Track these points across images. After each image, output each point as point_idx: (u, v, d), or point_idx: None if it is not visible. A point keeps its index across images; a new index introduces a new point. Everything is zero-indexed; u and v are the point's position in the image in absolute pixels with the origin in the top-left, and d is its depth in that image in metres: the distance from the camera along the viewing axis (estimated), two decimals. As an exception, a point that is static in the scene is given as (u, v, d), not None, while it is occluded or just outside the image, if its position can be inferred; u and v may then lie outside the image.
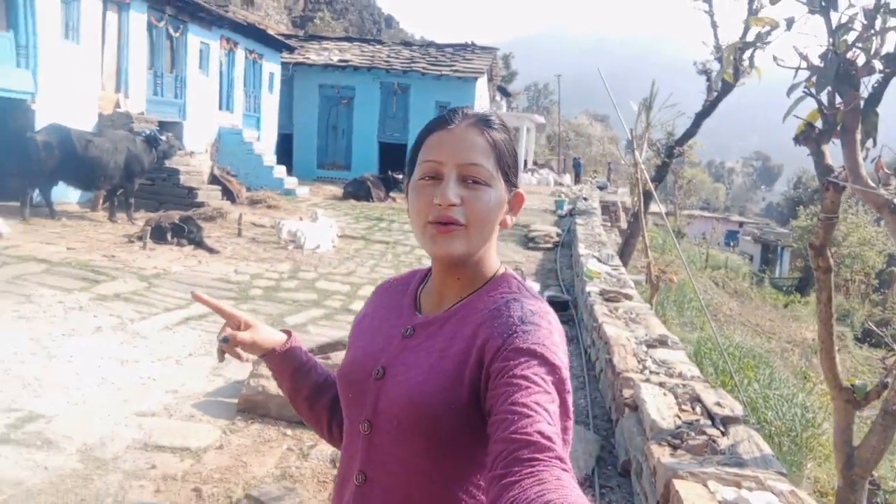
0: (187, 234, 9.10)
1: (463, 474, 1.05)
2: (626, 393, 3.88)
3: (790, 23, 2.77)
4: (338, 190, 17.44)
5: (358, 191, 16.52)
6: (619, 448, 3.91)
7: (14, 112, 10.33)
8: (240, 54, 17.62)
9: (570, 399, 1.00)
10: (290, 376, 1.29)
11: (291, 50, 20.78)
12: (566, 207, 16.57)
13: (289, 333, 1.32)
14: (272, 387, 4.21)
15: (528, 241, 12.10)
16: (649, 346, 4.68)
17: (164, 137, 11.21)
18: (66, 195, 10.87)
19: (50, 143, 9.44)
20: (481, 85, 22.30)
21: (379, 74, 21.12)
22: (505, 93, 37.53)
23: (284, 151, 20.36)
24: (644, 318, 5.51)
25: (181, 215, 9.47)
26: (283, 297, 7.12)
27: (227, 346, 1.23)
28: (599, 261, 7.86)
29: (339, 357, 4.51)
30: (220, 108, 16.91)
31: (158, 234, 9.02)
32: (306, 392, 1.30)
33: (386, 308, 1.21)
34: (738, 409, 3.52)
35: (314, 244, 9.63)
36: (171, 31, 14.39)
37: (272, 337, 1.28)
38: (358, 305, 7.01)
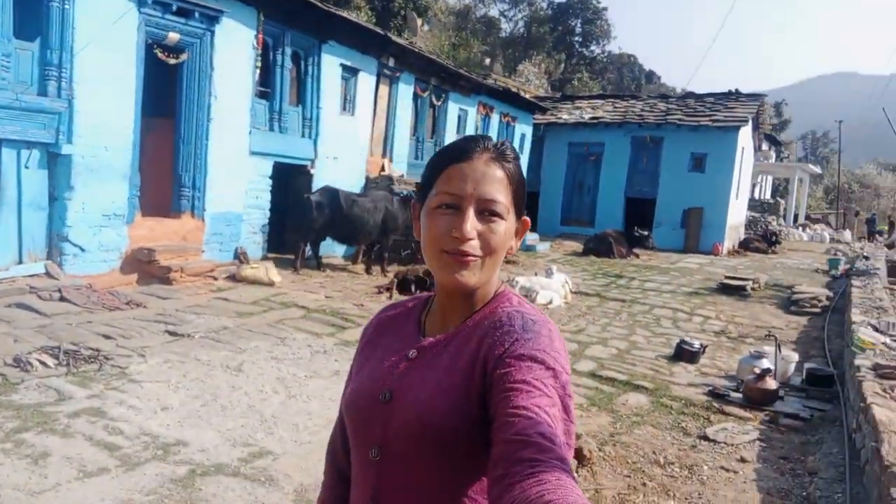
0: (429, 286, 9.60)
1: (476, 486, 1.06)
2: (895, 493, 3.08)
3: None
4: (579, 246, 17.23)
5: (598, 246, 16.14)
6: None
7: (296, 176, 11.96)
8: (494, 118, 18.56)
9: (571, 403, 1.01)
10: None
11: (544, 111, 21.37)
12: (842, 267, 14.40)
13: None
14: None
15: (791, 304, 10.68)
16: (935, 443, 3.70)
17: (418, 198, 12.07)
18: (333, 249, 12.20)
19: (322, 202, 10.70)
20: (744, 134, 20.64)
21: (631, 129, 20.70)
22: (775, 141, 34.37)
23: (531, 208, 20.80)
24: (932, 406, 4.42)
25: (425, 269, 10.04)
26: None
27: None
28: (876, 329, 6.58)
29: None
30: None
31: (404, 286, 9.64)
32: None
33: (390, 335, 1.23)
34: None
35: (546, 299, 9.52)
36: (433, 100, 15.69)
37: None
38: (584, 365, 6.71)
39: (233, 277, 9.37)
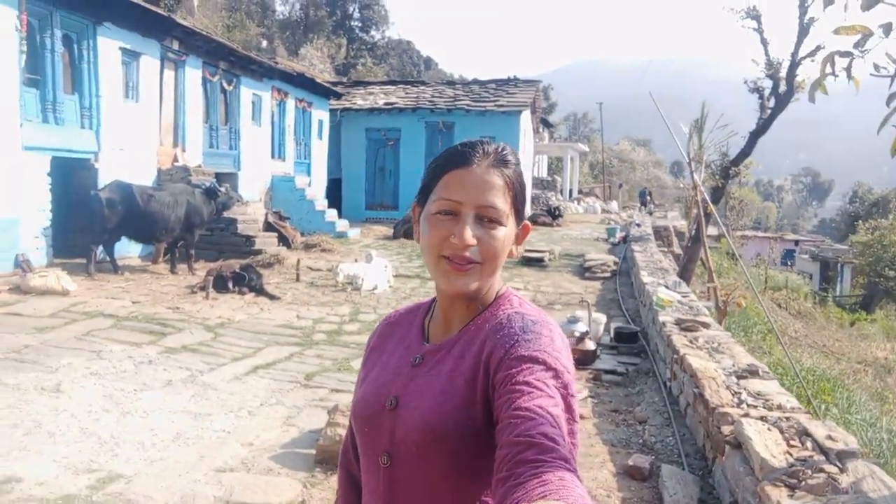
0: (248, 282, 9.18)
1: (486, 488, 1.05)
2: (726, 430, 3.63)
3: (888, 29, 2.61)
4: (387, 230, 17.51)
5: (409, 230, 16.55)
6: (721, 489, 3.65)
7: (79, 171, 10.70)
8: (290, 103, 18.04)
9: (574, 403, 1.01)
10: None
11: (339, 96, 21.20)
12: (618, 235, 16.27)
13: None
14: (348, 435, 4.12)
15: (585, 271, 11.86)
16: (739, 377, 4.42)
17: (222, 189, 11.42)
18: (128, 250, 11.14)
19: (113, 199, 9.70)
20: (525, 118, 22.30)
21: (423, 114, 21.33)
22: (547, 124, 37.52)
23: (334, 195, 20.66)
24: (727, 346, 5.24)
25: (241, 264, 9.58)
26: (347, 341, 7.06)
27: None
28: (667, 288, 7.59)
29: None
30: (273, 156, 17.28)
31: (220, 284, 9.12)
32: None
33: (394, 341, 1.24)
34: (853, 443, 3.25)
35: (371, 285, 9.61)
36: (224, 84, 14.82)
37: None
38: (422, 346, 6.90)
39: (18, 289, 8.18)
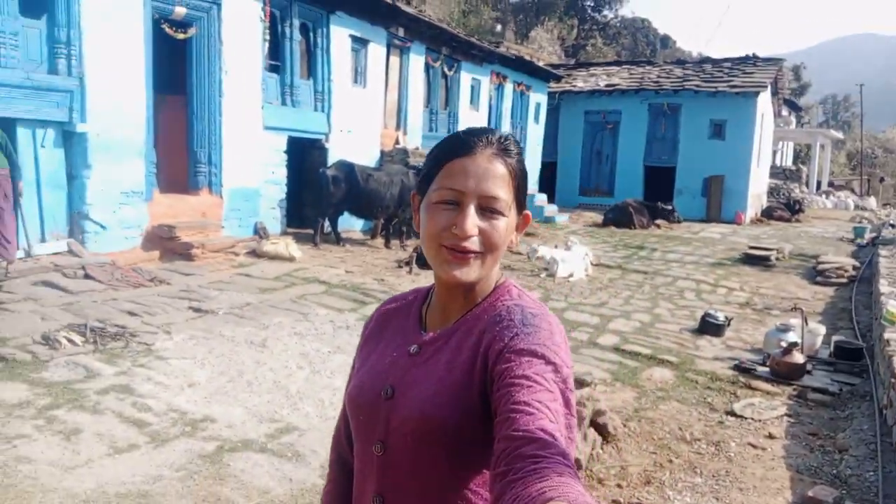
0: (447, 260, 9.54)
1: (479, 480, 1.06)
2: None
3: None
4: (598, 217, 17.08)
5: (619, 217, 15.98)
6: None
7: (311, 150, 11.89)
8: (508, 87, 18.29)
9: (573, 398, 1.00)
10: None
11: (559, 79, 21.04)
12: (868, 236, 14.17)
13: None
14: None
15: (817, 275, 10.53)
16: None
17: (435, 170, 11.93)
18: (352, 224, 12.17)
19: (338, 176, 10.65)
20: (764, 100, 20.23)
21: (647, 96, 20.36)
22: (795, 107, 33.75)
23: (548, 179, 20.61)
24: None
25: (443, 242, 9.97)
26: (531, 327, 7.03)
27: None
28: (907, 302, 6.45)
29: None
30: (489, 140, 17.66)
31: (422, 260, 9.53)
32: None
33: (391, 329, 1.22)
34: None
35: (567, 272, 9.45)
36: (445, 70, 15.47)
37: None
38: (607, 339, 6.66)
39: (253, 253, 9.37)
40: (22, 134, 7.42)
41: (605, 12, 45.47)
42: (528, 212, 1.16)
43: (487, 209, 1.07)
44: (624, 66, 23.69)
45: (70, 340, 5.30)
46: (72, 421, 4.02)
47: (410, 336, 1.17)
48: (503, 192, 1.07)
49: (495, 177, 1.07)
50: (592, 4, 44.87)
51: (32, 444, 3.71)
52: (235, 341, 5.70)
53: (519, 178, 1.11)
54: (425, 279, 8.92)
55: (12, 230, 6.89)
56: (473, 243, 1.06)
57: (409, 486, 1.08)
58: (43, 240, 7.77)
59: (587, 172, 21.36)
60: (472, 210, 1.06)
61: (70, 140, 7.91)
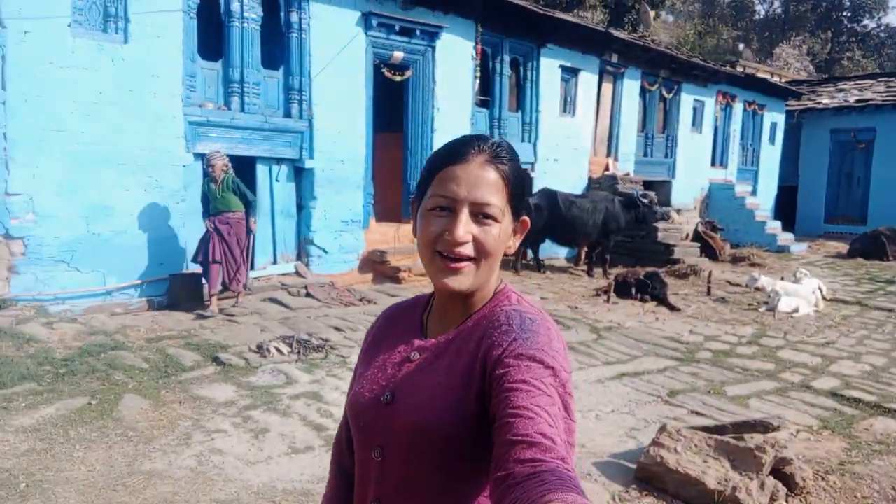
0: (651, 289, 9.07)
1: (478, 486, 1.06)
2: None
3: None
4: (844, 246, 15.03)
5: (868, 247, 13.90)
6: None
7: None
8: (738, 107, 17.05)
9: (571, 402, 1.00)
10: None
11: (798, 96, 19.10)
12: None
13: None
14: (672, 460, 3.81)
15: None
16: None
17: (645, 200, 11.39)
18: (556, 252, 12.12)
19: (540, 204, 10.70)
20: None
21: (911, 110, 17.61)
22: None
23: (787, 205, 18.68)
24: None
25: (646, 271, 9.50)
26: (733, 364, 6.39)
27: None
28: None
29: (754, 440, 3.78)
30: (713, 163, 16.60)
31: (623, 290, 9.22)
32: None
33: (393, 336, 1.23)
34: None
35: (790, 307, 8.43)
36: (664, 93, 14.87)
37: None
38: (824, 382, 5.84)
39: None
40: (260, 170, 8.60)
41: (866, 22, 40.37)
42: (525, 217, 1.16)
43: (480, 215, 1.08)
44: (880, 80, 20.72)
45: (278, 350, 5.97)
46: (263, 421, 4.52)
47: (411, 342, 1.19)
48: (496, 198, 1.08)
49: (488, 183, 1.08)
50: (850, 14, 40.11)
51: (227, 438, 4.23)
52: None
53: (513, 184, 1.10)
54: (622, 309, 8.56)
55: (244, 272, 7.61)
56: (467, 249, 1.07)
57: (407, 490, 1.08)
58: (275, 261, 8.88)
59: (834, 197, 18.96)
60: (464, 216, 1.07)
61: (300, 175, 8.99)
